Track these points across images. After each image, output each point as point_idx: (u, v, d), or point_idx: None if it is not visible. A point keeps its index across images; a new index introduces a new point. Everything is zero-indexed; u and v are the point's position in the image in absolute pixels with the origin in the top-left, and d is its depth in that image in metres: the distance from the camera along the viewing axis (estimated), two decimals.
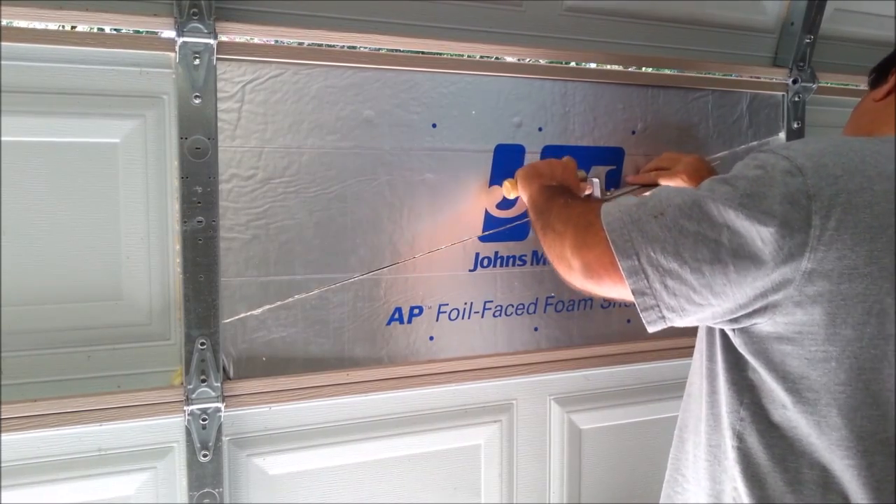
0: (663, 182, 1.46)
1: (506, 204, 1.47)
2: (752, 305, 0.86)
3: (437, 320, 1.44)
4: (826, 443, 0.86)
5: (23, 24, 1.11)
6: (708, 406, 0.99)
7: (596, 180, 1.45)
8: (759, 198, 0.83)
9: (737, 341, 0.92)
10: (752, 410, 0.92)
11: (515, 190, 1.39)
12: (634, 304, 0.89)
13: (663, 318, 0.88)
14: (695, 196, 0.87)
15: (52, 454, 1.19)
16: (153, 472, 1.26)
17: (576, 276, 0.97)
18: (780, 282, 0.83)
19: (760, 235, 0.82)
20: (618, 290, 0.92)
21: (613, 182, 1.57)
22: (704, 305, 0.87)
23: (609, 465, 1.67)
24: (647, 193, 1.46)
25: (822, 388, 0.85)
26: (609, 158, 1.56)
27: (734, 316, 0.88)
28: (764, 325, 0.87)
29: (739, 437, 0.92)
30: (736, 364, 0.93)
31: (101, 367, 1.21)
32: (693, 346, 1.63)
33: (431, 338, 1.44)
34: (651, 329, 0.90)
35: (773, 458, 0.90)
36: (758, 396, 0.91)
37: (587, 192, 1.42)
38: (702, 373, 1.02)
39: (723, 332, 0.95)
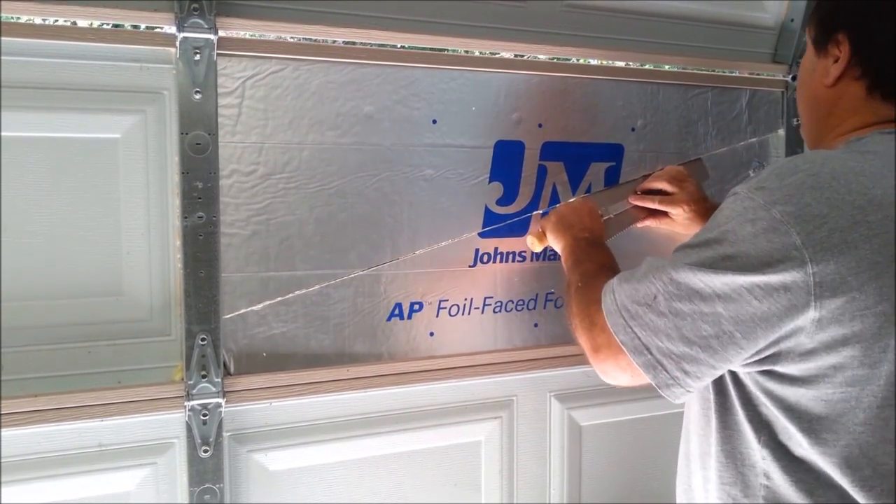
0: (665, 208, 1.45)
1: (505, 200, 1.47)
2: (764, 353, 0.84)
3: (437, 316, 1.44)
4: (848, 481, 0.83)
5: (23, 19, 1.11)
6: (719, 442, 0.95)
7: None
8: (743, 258, 0.80)
9: (748, 380, 0.90)
10: (771, 448, 0.89)
11: (542, 242, 1.39)
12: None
13: (690, 392, 0.88)
14: (679, 273, 0.85)
15: (53, 450, 1.19)
16: (153, 468, 1.26)
17: (596, 370, 0.98)
18: (790, 331, 0.81)
19: (753, 294, 0.80)
20: (636, 382, 0.92)
21: (612, 180, 1.57)
22: (725, 369, 0.87)
23: (609, 461, 1.67)
24: (640, 224, 1.49)
25: (841, 429, 0.83)
26: (608, 155, 1.56)
27: (746, 363, 0.86)
28: (777, 368, 0.85)
29: (766, 475, 0.89)
30: (749, 400, 0.91)
31: (102, 362, 1.21)
32: None
33: (432, 333, 1.44)
34: (679, 402, 0.90)
35: (801, 492, 0.86)
36: (775, 433, 0.88)
37: None
38: (709, 406, 0.97)
39: (732, 370, 0.92)
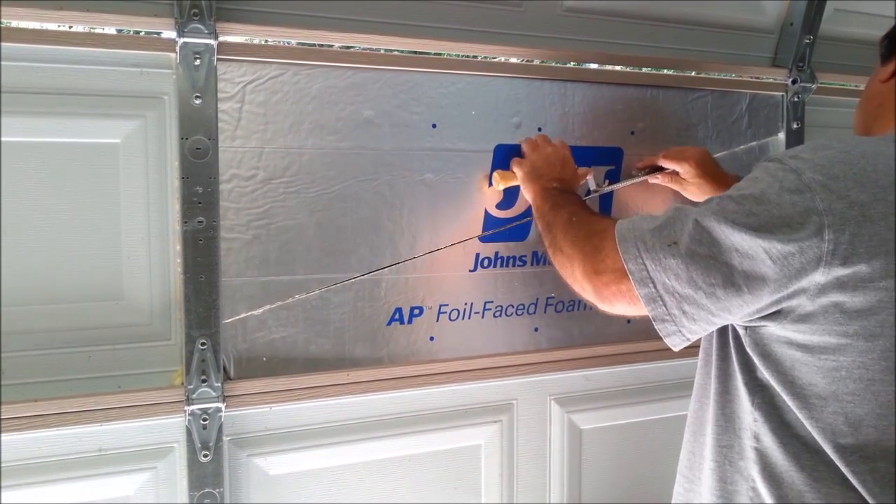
0: (670, 164, 1.47)
1: (505, 204, 1.47)
2: (765, 311, 0.87)
3: (437, 321, 1.44)
4: (831, 447, 0.86)
5: (23, 24, 1.11)
6: (718, 406, 0.99)
7: (590, 177, 1.47)
8: (766, 216, 0.83)
9: (747, 341, 0.93)
10: (764, 410, 0.92)
11: (505, 181, 1.41)
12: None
13: (687, 339, 0.91)
14: (704, 219, 0.88)
15: (53, 454, 1.19)
16: (153, 473, 1.26)
17: (589, 298, 1.00)
18: (793, 292, 0.84)
19: (770, 254, 0.82)
20: (631, 311, 0.94)
21: (612, 182, 1.57)
22: (723, 322, 0.90)
23: (609, 465, 1.67)
24: (651, 179, 1.50)
25: (829, 396, 0.85)
26: (608, 158, 1.56)
27: (747, 320, 0.89)
28: (773, 328, 0.88)
29: (756, 438, 0.93)
30: (747, 365, 0.94)
31: (102, 367, 1.21)
32: (696, 346, 1.62)
33: (432, 338, 1.44)
34: (676, 349, 0.92)
35: (788, 456, 0.90)
36: (769, 396, 0.91)
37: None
38: (711, 373, 1.01)
39: (735, 334, 0.95)
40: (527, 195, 1.35)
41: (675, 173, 1.48)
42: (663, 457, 1.71)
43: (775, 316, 0.87)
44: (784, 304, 0.85)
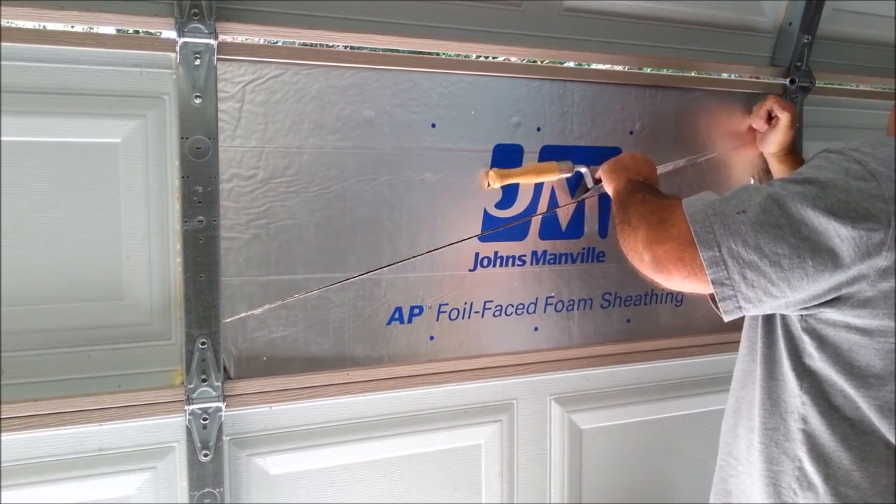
0: (781, 108, 1.55)
1: (504, 203, 1.47)
2: (824, 297, 0.90)
3: (437, 320, 1.44)
4: (886, 425, 0.90)
5: (23, 24, 1.12)
6: (764, 391, 1.03)
7: (584, 170, 1.49)
8: (833, 200, 0.87)
9: (801, 325, 0.96)
10: (811, 394, 0.96)
11: (501, 179, 1.42)
12: (709, 297, 0.95)
13: (740, 307, 0.92)
14: (774, 194, 0.91)
15: (53, 454, 1.19)
16: (154, 472, 1.26)
17: (646, 269, 1.02)
18: (855, 276, 0.87)
19: (838, 233, 0.86)
20: (686, 284, 0.96)
21: None
22: (780, 297, 0.91)
23: (609, 464, 1.67)
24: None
25: (888, 375, 0.90)
26: (607, 158, 1.55)
27: (806, 306, 0.92)
28: (832, 313, 0.91)
29: (804, 420, 0.97)
30: (795, 351, 0.97)
31: (102, 366, 1.21)
32: (696, 346, 1.65)
33: (432, 337, 1.44)
34: (727, 318, 0.94)
35: (836, 436, 0.94)
36: (816, 381, 0.96)
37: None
38: (757, 359, 1.05)
39: (783, 320, 0.99)
40: (608, 186, 1.38)
41: (772, 120, 1.57)
42: (664, 456, 1.71)
43: (834, 302, 0.90)
44: (844, 291, 0.88)
